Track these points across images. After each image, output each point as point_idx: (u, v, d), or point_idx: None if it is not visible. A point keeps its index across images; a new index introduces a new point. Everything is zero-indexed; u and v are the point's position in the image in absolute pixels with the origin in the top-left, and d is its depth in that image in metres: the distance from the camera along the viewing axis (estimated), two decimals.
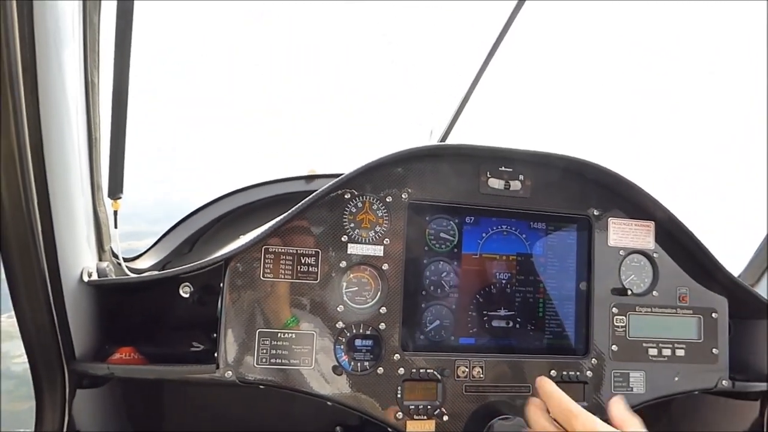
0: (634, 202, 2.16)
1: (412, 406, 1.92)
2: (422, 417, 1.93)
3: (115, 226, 2.03)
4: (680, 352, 2.14)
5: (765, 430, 2.35)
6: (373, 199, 1.98)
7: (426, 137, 2.79)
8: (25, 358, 1.72)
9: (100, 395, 2.06)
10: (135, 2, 1.76)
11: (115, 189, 1.97)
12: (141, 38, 1.82)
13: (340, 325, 1.91)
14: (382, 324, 1.94)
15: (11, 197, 1.47)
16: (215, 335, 1.85)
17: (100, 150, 1.93)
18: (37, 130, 1.52)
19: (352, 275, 1.96)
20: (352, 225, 1.95)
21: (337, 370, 1.89)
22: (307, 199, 1.87)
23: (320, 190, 1.89)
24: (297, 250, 1.90)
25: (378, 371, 1.92)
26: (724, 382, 2.15)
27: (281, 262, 1.89)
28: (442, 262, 2.05)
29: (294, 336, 1.87)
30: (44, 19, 1.48)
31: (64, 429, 1.84)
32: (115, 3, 1.76)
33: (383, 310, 1.94)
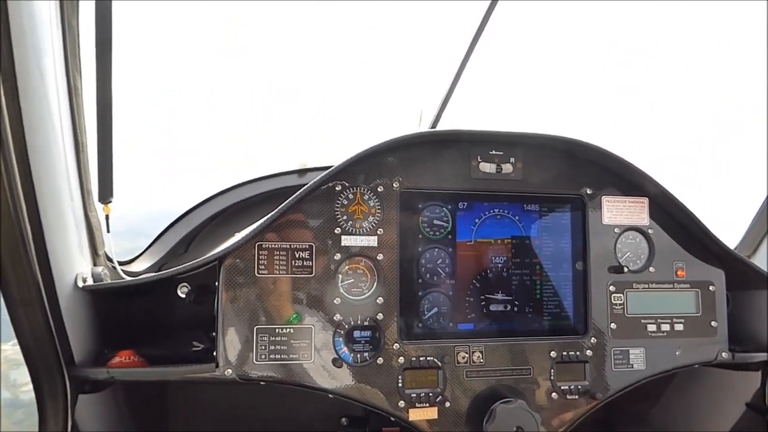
0: (626, 179, 2.16)
1: (414, 395, 1.93)
2: (424, 405, 1.93)
3: (108, 231, 2.02)
4: (679, 327, 2.14)
5: (766, 399, 2.35)
6: (364, 190, 1.97)
7: (415, 124, 2.78)
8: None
9: (102, 399, 2.06)
10: (113, 3, 1.74)
11: (106, 193, 1.96)
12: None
13: (337, 317, 1.91)
14: (380, 314, 1.94)
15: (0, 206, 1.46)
16: (214, 334, 1.85)
17: (88, 155, 1.92)
18: (21, 138, 1.51)
19: (347, 267, 1.95)
20: (344, 217, 1.95)
21: (337, 362, 1.89)
22: (297, 193, 1.87)
23: (311, 183, 1.89)
24: (291, 245, 1.90)
25: (378, 361, 1.92)
26: (724, 354, 2.15)
27: (275, 257, 1.88)
28: (437, 249, 2.05)
29: (292, 331, 1.87)
30: (20, 25, 1.46)
31: None
32: (94, 4, 1.75)
33: (380, 300, 1.94)
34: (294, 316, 1.88)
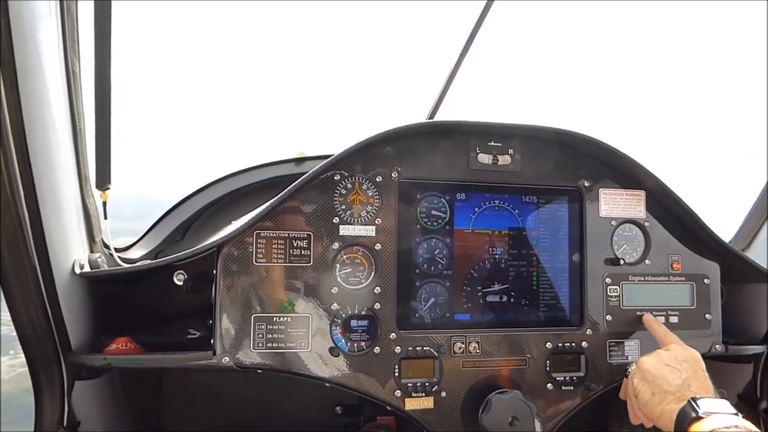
0: (624, 172, 2.16)
1: (410, 384, 1.94)
2: (420, 394, 1.94)
3: (105, 217, 2.01)
4: (674, 319, 2.15)
5: (758, 391, 2.38)
6: (362, 180, 1.97)
7: (416, 114, 2.77)
8: None
9: (99, 386, 2.06)
10: None
11: (103, 180, 1.95)
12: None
13: (335, 306, 1.91)
14: (377, 304, 1.94)
15: None
16: (211, 322, 1.85)
17: (86, 141, 1.91)
18: (19, 124, 1.50)
19: (345, 256, 1.95)
20: (343, 206, 1.95)
21: (334, 351, 1.89)
22: (296, 182, 1.87)
23: (310, 172, 1.88)
24: (289, 234, 1.90)
25: (375, 351, 1.92)
26: (717, 346, 2.17)
27: (273, 246, 1.88)
28: (434, 240, 2.05)
29: (289, 319, 1.87)
30: (20, 11, 1.45)
31: (64, 421, 1.84)
32: None
33: (377, 289, 1.95)
34: (287, 303, 1.88)
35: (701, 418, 1.51)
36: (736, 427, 1.45)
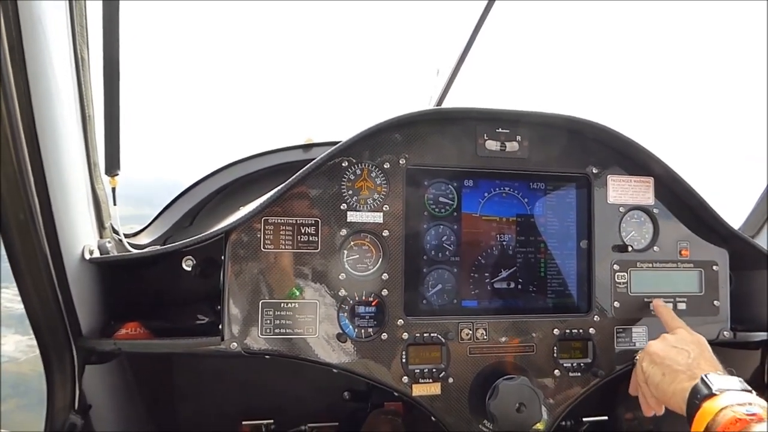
0: (632, 159, 2.15)
1: (417, 370, 1.94)
2: (428, 380, 1.95)
3: (114, 203, 2.02)
4: (682, 306, 2.15)
5: (765, 378, 2.38)
6: (371, 167, 1.97)
7: (425, 102, 2.76)
8: None
9: (109, 370, 2.08)
10: None
11: (112, 166, 1.96)
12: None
13: (342, 293, 1.92)
14: (385, 290, 1.95)
15: (7, 179, 1.47)
16: (219, 307, 1.86)
17: (95, 127, 1.92)
18: (28, 111, 1.51)
19: (352, 243, 1.96)
20: (350, 192, 1.95)
21: (342, 337, 1.90)
22: (304, 168, 1.87)
23: (318, 158, 1.88)
24: (297, 220, 1.90)
25: (382, 337, 1.93)
26: (725, 333, 2.16)
27: (281, 232, 1.89)
28: (442, 226, 2.05)
29: (297, 305, 1.88)
30: None
31: (76, 404, 1.86)
32: None
33: (385, 276, 1.95)
34: (294, 289, 1.89)
35: (715, 395, 1.49)
36: (750, 404, 1.43)
